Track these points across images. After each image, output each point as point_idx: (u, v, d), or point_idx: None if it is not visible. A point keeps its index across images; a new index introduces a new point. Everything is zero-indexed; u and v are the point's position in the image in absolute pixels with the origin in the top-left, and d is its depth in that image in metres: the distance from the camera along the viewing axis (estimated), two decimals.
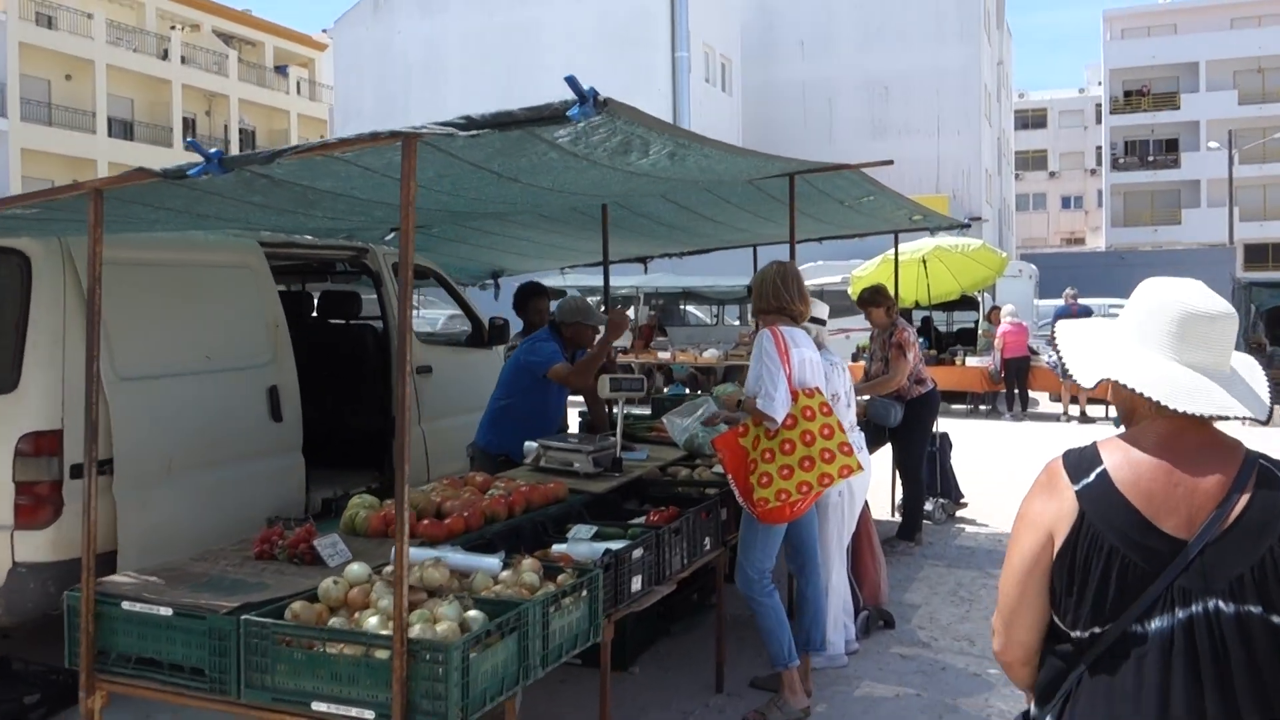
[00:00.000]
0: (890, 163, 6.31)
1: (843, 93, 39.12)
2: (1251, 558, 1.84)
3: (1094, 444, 2.02)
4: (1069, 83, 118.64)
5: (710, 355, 19.26)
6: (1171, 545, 1.87)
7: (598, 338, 6.25)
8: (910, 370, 8.13)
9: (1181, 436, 1.95)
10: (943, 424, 9.09)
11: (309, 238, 7.28)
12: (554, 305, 6.67)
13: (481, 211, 6.19)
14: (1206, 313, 1.96)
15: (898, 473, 8.52)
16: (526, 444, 5.83)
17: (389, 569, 3.53)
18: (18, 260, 5.29)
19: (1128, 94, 58.31)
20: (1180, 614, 1.84)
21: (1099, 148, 63.32)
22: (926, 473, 8.67)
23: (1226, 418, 1.91)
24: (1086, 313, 17.20)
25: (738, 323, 23.16)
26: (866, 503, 6.17)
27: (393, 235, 7.52)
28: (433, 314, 18.89)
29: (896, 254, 9.82)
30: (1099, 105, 63.09)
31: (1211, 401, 1.91)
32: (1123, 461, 1.95)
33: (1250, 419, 1.96)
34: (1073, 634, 1.95)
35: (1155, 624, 1.85)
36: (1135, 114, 57.86)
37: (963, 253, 14.70)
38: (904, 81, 38.26)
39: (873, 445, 7.38)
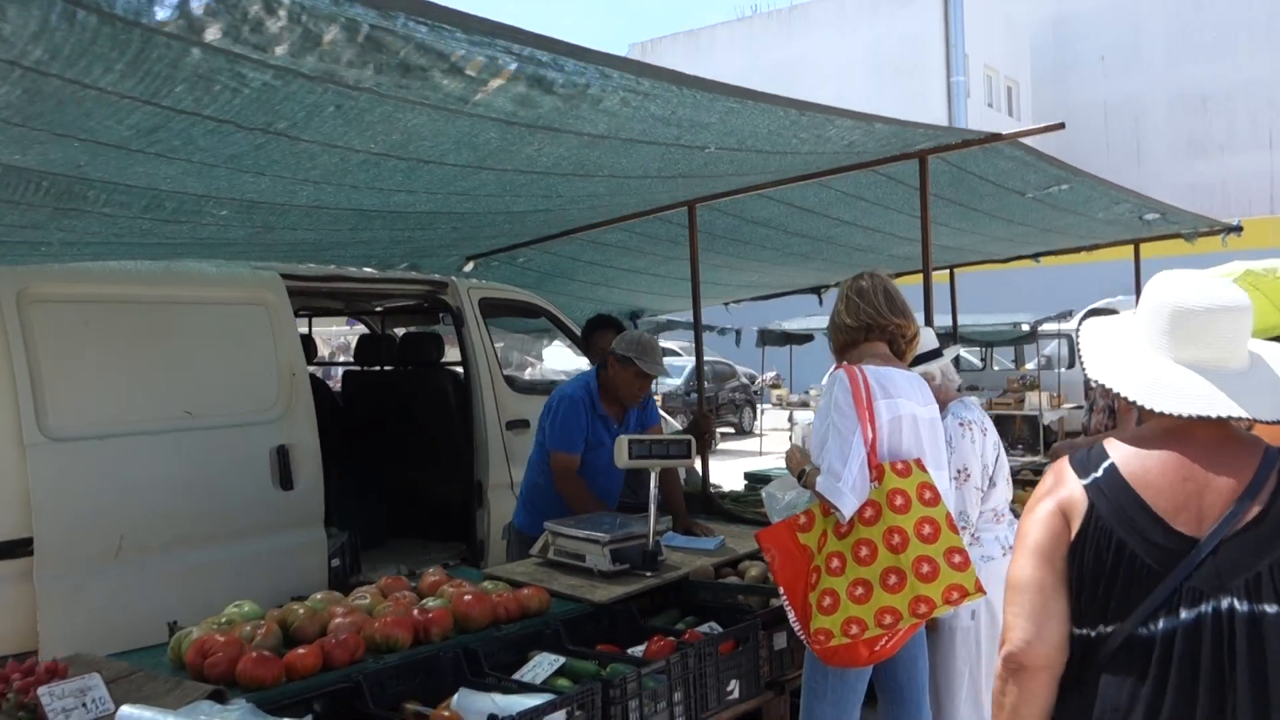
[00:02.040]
0: (1061, 126, 4.42)
1: (1152, 110, 35.10)
2: (1270, 555, 1.78)
3: (1101, 443, 1.97)
4: None
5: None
6: (1182, 543, 1.81)
7: (644, 391, 4.76)
8: None
9: (1190, 433, 1.89)
10: None
11: (368, 270, 6.21)
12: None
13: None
14: (1199, 308, 1.90)
15: None
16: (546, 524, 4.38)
17: None
18: None
19: None
20: (1186, 615, 1.78)
21: None
22: None
23: (1209, 418, 1.84)
24: None
25: (1012, 366, 20.49)
26: None
27: (471, 266, 6.32)
28: (554, 362, 16.80)
29: (1139, 272, 7.55)
30: None
31: (1200, 401, 1.85)
32: (1131, 456, 1.90)
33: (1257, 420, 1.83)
34: (1077, 631, 1.89)
35: (1162, 625, 1.80)
36: None
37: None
38: (1226, 93, 33.75)
39: None
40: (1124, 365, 1.94)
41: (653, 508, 4.14)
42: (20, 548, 4.31)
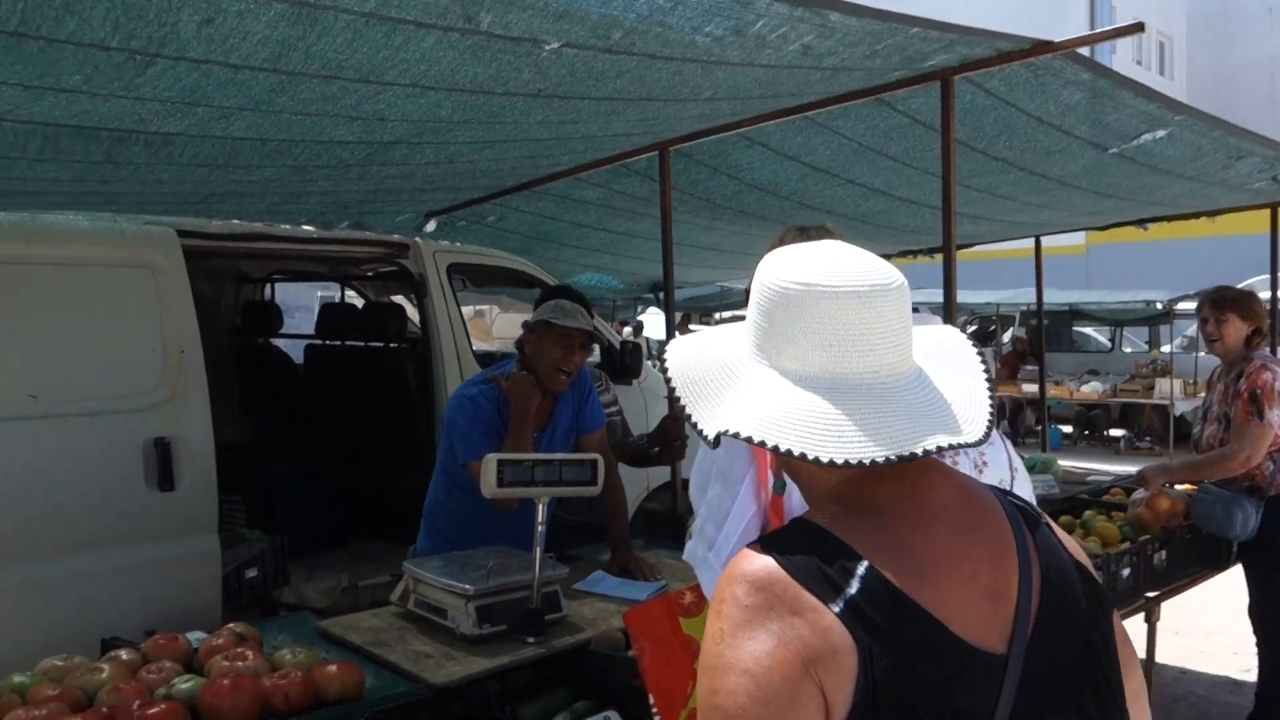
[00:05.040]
0: (1139, 28, 3.12)
1: None
2: (1072, 654, 1.23)
3: (812, 524, 1.22)
4: None
5: (1091, 389, 15.26)
6: (989, 665, 1.16)
7: (570, 360, 3.64)
8: (1275, 442, 4.60)
9: (930, 491, 1.24)
10: None
11: (307, 228, 5.25)
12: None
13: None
14: (836, 289, 1.21)
15: (1252, 624, 4.86)
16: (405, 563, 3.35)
17: None
18: None
19: None
20: None
21: None
22: None
23: (917, 454, 1.15)
24: None
25: (1145, 347, 18.51)
26: None
27: (433, 225, 5.30)
28: None
29: (1277, 243, 6.00)
30: None
31: (887, 437, 1.16)
32: (887, 545, 1.18)
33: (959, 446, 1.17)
34: None
35: None
36: None
37: None
38: None
39: (1199, 569, 4.53)
40: (754, 397, 1.21)
41: (537, 550, 3.06)
42: None
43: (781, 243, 2.40)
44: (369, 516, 6.02)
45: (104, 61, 1.92)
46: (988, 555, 1.23)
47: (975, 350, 1.35)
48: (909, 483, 1.24)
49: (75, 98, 2.15)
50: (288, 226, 5.16)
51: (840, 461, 1.14)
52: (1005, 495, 1.34)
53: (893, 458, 1.15)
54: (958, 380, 1.28)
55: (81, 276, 4.28)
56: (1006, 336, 19.12)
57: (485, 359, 5.69)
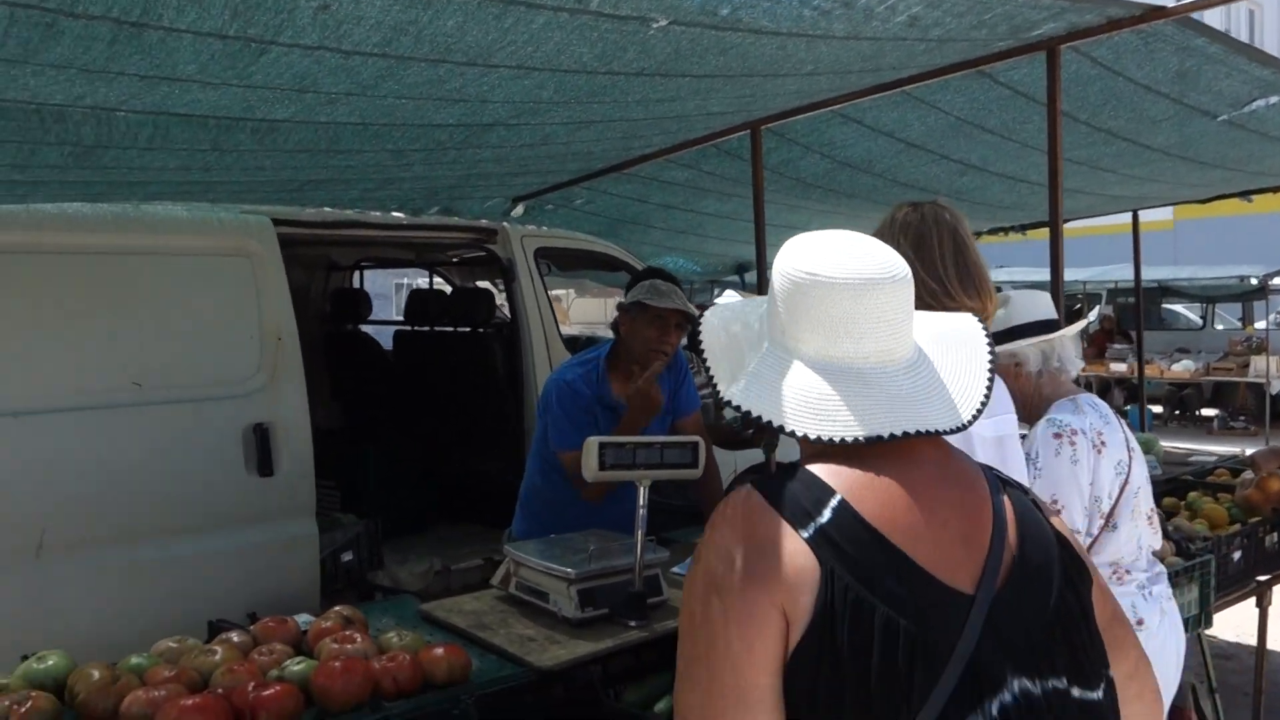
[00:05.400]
0: None
1: None
2: (1043, 611, 1.29)
3: (801, 466, 1.33)
4: None
5: (1182, 368, 14.84)
6: (955, 602, 1.25)
7: (666, 341, 3.61)
8: None
9: (914, 446, 1.33)
10: None
11: (396, 215, 5.29)
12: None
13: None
14: (834, 281, 1.32)
15: None
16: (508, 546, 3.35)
17: None
18: None
19: None
20: (992, 708, 1.22)
21: None
22: None
23: (884, 437, 1.27)
24: None
25: (1239, 324, 17.94)
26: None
27: (521, 209, 5.31)
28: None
29: None
30: None
31: (862, 419, 1.28)
32: (861, 485, 1.29)
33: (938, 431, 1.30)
34: None
35: None
36: None
37: None
38: None
39: None
40: (760, 375, 1.36)
41: (639, 532, 3.04)
42: None
43: (894, 218, 2.35)
44: (457, 501, 6.07)
45: (220, 50, 1.93)
46: (963, 504, 1.32)
47: (985, 340, 1.45)
48: (892, 448, 1.32)
49: (188, 87, 2.17)
50: (377, 214, 5.20)
51: (813, 437, 1.28)
52: (988, 469, 1.41)
53: (860, 438, 1.26)
54: (960, 369, 1.39)
55: (182, 265, 4.36)
56: (1093, 314, 18.68)
57: (568, 343, 5.70)
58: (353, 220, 5.05)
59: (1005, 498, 1.36)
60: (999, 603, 1.27)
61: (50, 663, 2.60)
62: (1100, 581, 1.42)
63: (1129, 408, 13.35)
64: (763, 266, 4.43)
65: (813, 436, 1.29)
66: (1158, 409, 15.98)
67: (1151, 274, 16.72)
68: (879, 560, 1.24)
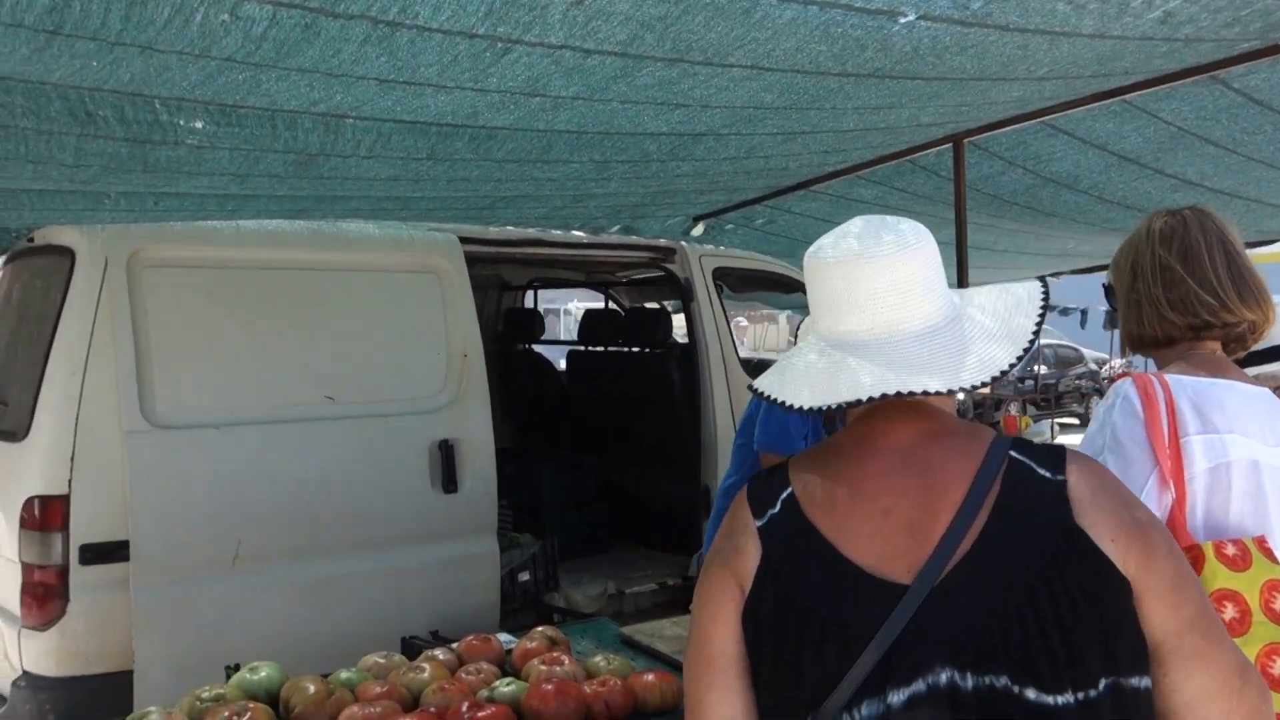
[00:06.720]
0: None
1: None
2: (1001, 603, 1.24)
3: (785, 462, 1.47)
4: None
5: None
6: (883, 594, 1.28)
7: None
8: None
9: (885, 433, 1.38)
10: None
11: (576, 233, 5.27)
12: None
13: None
14: (826, 259, 1.37)
15: None
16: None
17: None
18: (65, 261, 3.95)
19: None
20: (898, 697, 1.23)
21: None
22: None
23: (851, 403, 1.28)
24: None
25: None
26: None
27: (701, 228, 5.24)
28: None
29: None
30: None
31: (839, 386, 1.32)
32: (813, 479, 1.39)
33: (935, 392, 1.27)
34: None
35: (865, 712, 1.25)
36: None
37: None
38: None
39: None
40: (787, 357, 1.46)
41: None
42: (115, 552, 3.72)
43: (1150, 228, 2.18)
44: (631, 522, 6.00)
45: (464, 51, 1.88)
46: (917, 492, 1.31)
47: (1039, 305, 1.40)
48: (872, 423, 1.39)
49: (421, 91, 2.14)
50: (558, 232, 5.18)
51: (789, 405, 1.35)
52: (1013, 445, 1.36)
53: (832, 405, 1.31)
54: (995, 335, 1.37)
55: (373, 281, 4.41)
56: None
57: (745, 366, 5.58)
58: (535, 238, 5.05)
59: (1001, 472, 1.32)
60: (940, 592, 1.26)
61: (263, 674, 2.60)
62: (1170, 588, 1.28)
63: None
64: (963, 282, 4.22)
65: (789, 404, 1.36)
66: None
67: None
68: (808, 551, 1.33)
